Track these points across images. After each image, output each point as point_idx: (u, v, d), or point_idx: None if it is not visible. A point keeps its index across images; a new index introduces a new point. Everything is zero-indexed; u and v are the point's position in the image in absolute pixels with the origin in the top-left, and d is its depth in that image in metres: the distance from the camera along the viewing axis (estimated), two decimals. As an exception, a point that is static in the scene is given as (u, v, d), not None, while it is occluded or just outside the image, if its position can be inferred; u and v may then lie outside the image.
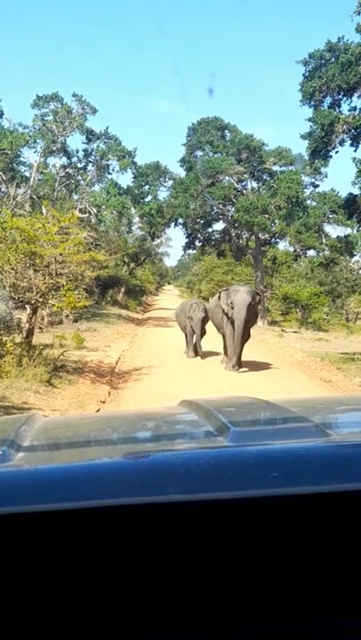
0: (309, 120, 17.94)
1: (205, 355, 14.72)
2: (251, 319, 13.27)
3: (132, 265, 39.20)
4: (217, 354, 14.47)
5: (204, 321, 14.76)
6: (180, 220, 32.12)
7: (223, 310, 13.32)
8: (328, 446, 1.04)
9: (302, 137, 18.43)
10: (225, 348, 13.93)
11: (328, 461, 0.93)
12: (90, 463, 1.07)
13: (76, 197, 29.41)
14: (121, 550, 0.88)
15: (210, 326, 14.79)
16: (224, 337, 13.84)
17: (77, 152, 30.31)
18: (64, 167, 29.87)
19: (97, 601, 0.88)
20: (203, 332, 14.99)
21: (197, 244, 34.73)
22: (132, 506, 0.85)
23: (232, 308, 12.95)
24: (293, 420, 1.31)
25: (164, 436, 1.47)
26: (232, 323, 13.02)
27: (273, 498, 0.87)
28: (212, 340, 14.85)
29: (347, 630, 0.88)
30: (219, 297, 13.73)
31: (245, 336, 13.15)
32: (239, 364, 12.98)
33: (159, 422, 1.68)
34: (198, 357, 14.68)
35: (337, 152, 18.13)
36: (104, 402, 9.44)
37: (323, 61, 17.46)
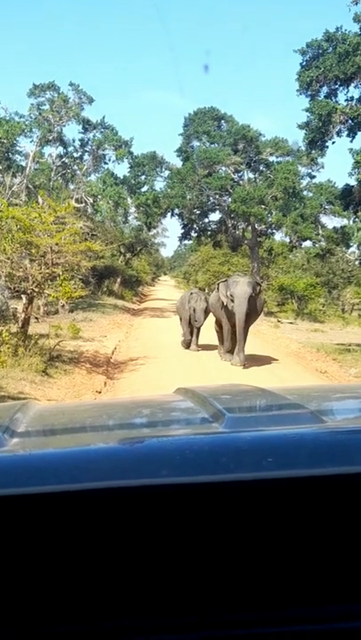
0: (306, 110, 17.89)
1: (202, 347, 14.54)
2: (252, 312, 12.64)
3: (128, 255, 39.13)
4: (214, 347, 14.12)
5: (207, 311, 14.25)
6: (177, 211, 32.04)
7: (223, 303, 12.72)
8: (322, 432, 1.04)
9: (299, 127, 18.40)
10: (220, 340, 13.49)
11: (322, 447, 0.94)
12: (85, 448, 1.07)
13: (72, 187, 29.31)
14: (114, 532, 0.88)
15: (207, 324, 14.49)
16: (221, 329, 13.33)
17: (74, 141, 30.21)
18: (60, 157, 29.75)
19: (90, 583, 0.88)
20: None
21: (194, 234, 34.66)
22: (126, 488, 0.86)
23: (232, 300, 12.34)
24: (288, 406, 1.31)
25: (160, 423, 1.47)
26: (230, 316, 12.47)
27: (267, 481, 0.87)
28: (209, 333, 14.66)
29: (341, 615, 0.89)
30: (217, 289, 13.16)
31: (246, 331, 12.51)
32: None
33: (155, 409, 1.68)
34: (198, 350, 14.37)
35: (334, 142, 18.16)
36: (100, 392, 9.46)
37: (320, 51, 17.38)
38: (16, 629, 0.87)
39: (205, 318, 14.41)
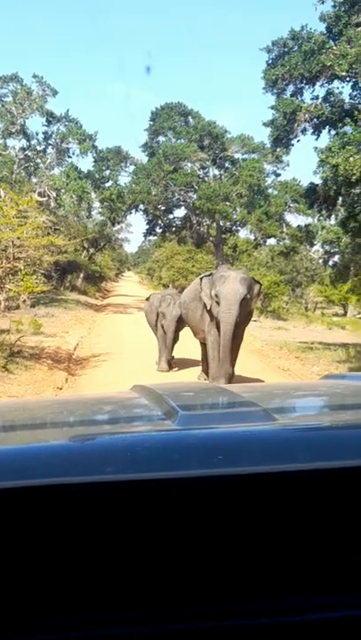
0: (272, 108, 17.96)
1: (179, 363, 11.65)
2: (243, 320, 8.82)
3: (91, 250, 38.96)
4: (196, 362, 10.91)
5: (181, 320, 10.88)
6: (141, 206, 32.04)
7: (205, 305, 8.96)
8: (272, 430, 1.07)
9: (265, 124, 18.45)
10: (203, 360, 9.96)
11: (271, 444, 0.97)
12: (35, 445, 1.09)
13: (35, 180, 29.02)
14: (62, 529, 0.89)
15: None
16: (203, 345, 9.69)
17: (37, 134, 29.99)
18: (23, 149, 29.45)
19: (46, 579, 0.88)
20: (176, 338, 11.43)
21: (158, 230, 34.79)
22: (74, 485, 0.87)
23: (217, 302, 8.62)
24: (242, 404, 1.34)
25: (114, 420, 1.49)
26: (217, 325, 8.77)
27: (216, 478, 0.89)
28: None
29: (318, 605, 0.90)
30: (200, 285, 9.10)
31: (236, 345, 8.91)
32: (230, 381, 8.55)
33: (110, 406, 1.69)
34: (168, 370, 11.10)
35: (298, 141, 18.23)
36: (61, 388, 9.38)
37: (286, 49, 17.45)
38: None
39: (177, 328, 11.29)
